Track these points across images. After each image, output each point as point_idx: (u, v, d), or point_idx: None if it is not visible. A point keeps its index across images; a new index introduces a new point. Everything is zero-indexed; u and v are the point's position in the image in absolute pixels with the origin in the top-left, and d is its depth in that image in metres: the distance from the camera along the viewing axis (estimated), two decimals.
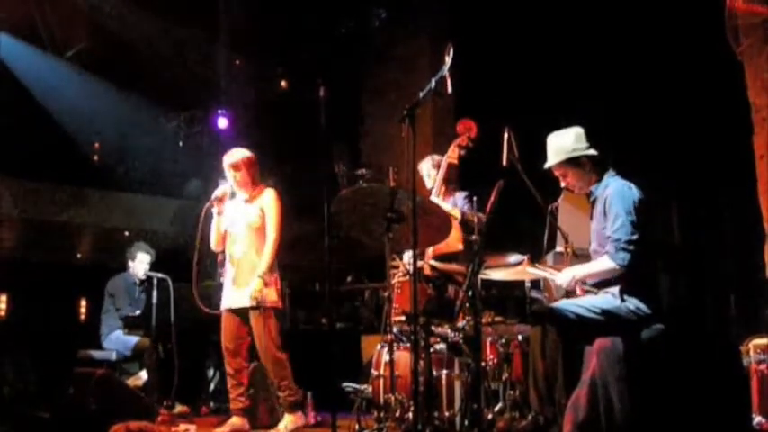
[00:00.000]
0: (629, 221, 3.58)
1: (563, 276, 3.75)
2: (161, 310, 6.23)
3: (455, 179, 5.55)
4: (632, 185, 3.73)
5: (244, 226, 5.07)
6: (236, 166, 5.09)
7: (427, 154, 5.78)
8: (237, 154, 5.14)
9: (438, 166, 5.41)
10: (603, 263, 3.62)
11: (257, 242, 5.05)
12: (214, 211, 5.09)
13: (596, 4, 6.50)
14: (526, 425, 3.79)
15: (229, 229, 5.11)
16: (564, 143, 3.82)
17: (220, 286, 5.35)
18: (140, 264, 6.92)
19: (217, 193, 5.09)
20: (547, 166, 3.87)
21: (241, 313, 5.01)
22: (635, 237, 3.56)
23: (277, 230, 5.05)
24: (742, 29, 5.57)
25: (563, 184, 3.89)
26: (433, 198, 5.28)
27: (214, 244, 5.17)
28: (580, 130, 3.84)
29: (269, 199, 5.13)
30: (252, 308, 4.92)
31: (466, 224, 5.02)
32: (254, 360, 5.25)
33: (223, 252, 5.24)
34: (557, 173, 3.88)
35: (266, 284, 4.92)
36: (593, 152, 3.79)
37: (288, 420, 4.96)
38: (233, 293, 5.03)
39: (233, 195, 5.20)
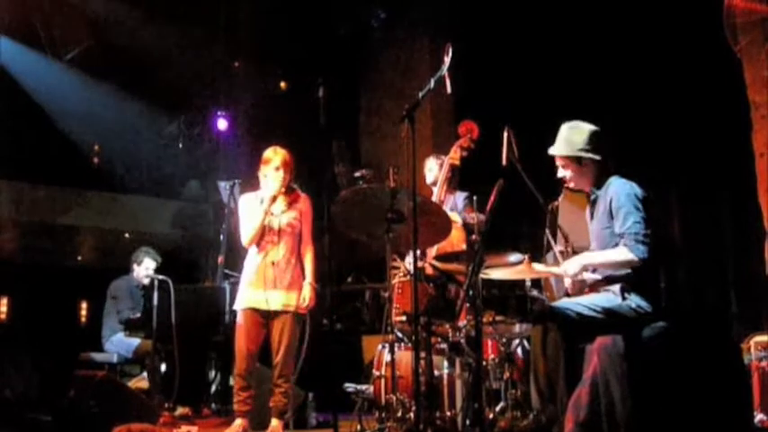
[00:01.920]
0: (641, 217, 3.57)
1: (570, 265, 3.71)
2: (162, 312, 6.23)
3: (456, 179, 5.56)
4: (634, 184, 3.72)
5: (289, 230, 4.99)
6: (286, 164, 4.96)
7: (427, 154, 5.81)
8: (285, 151, 5.00)
9: (441, 165, 5.45)
10: (621, 253, 3.57)
11: (295, 246, 5.01)
12: (262, 207, 4.91)
13: (596, 3, 6.49)
14: (528, 424, 3.80)
15: (272, 230, 4.96)
16: (574, 139, 3.79)
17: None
18: (145, 269, 6.88)
19: (273, 191, 4.90)
20: (551, 152, 3.84)
21: (266, 314, 4.93)
22: (650, 231, 3.56)
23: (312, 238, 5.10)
24: (741, 27, 5.57)
25: (559, 174, 3.87)
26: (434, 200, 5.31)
27: (249, 240, 4.94)
28: (595, 131, 3.79)
29: (308, 206, 5.09)
30: (289, 312, 4.90)
31: (466, 225, 5.03)
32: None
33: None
34: (557, 161, 3.86)
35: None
36: (597, 157, 3.76)
37: (278, 424, 4.93)
38: (264, 294, 4.88)
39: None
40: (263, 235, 4.95)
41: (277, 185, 4.92)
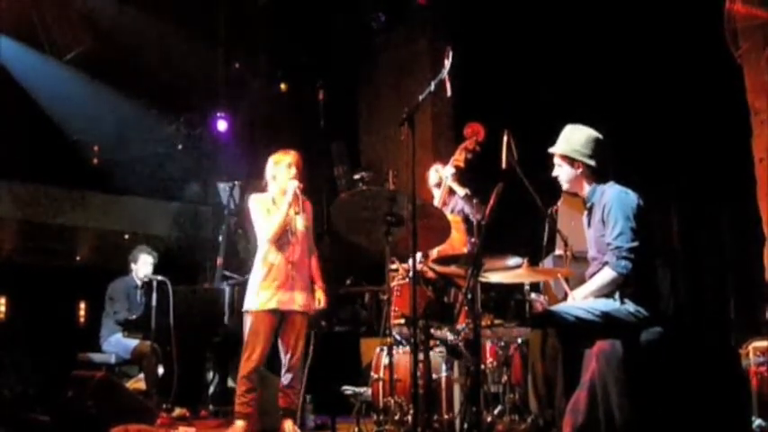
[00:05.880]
0: (629, 228, 3.57)
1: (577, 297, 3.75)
2: (160, 313, 6.22)
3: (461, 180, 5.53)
4: (629, 191, 3.71)
5: (304, 231, 5.01)
6: (297, 164, 4.99)
7: (427, 157, 5.78)
8: (295, 152, 5.03)
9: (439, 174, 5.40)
10: (605, 275, 3.60)
11: (307, 249, 5.03)
12: (285, 199, 4.86)
13: (596, 7, 6.50)
14: (526, 428, 3.79)
15: (291, 230, 4.94)
16: (573, 139, 3.80)
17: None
18: (143, 266, 6.85)
19: (296, 185, 4.86)
20: (550, 150, 3.85)
21: (281, 315, 4.90)
22: (635, 244, 3.55)
23: None
24: (741, 32, 5.58)
25: (553, 173, 3.88)
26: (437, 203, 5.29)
27: (274, 234, 4.84)
28: (596, 137, 3.78)
29: (310, 210, 5.10)
30: (304, 313, 4.94)
31: (467, 221, 5.03)
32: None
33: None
34: (554, 160, 3.87)
35: None
36: (592, 163, 3.76)
37: (292, 424, 4.94)
38: (286, 295, 4.87)
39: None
40: (282, 235, 4.92)
41: (294, 182, 4.88)
